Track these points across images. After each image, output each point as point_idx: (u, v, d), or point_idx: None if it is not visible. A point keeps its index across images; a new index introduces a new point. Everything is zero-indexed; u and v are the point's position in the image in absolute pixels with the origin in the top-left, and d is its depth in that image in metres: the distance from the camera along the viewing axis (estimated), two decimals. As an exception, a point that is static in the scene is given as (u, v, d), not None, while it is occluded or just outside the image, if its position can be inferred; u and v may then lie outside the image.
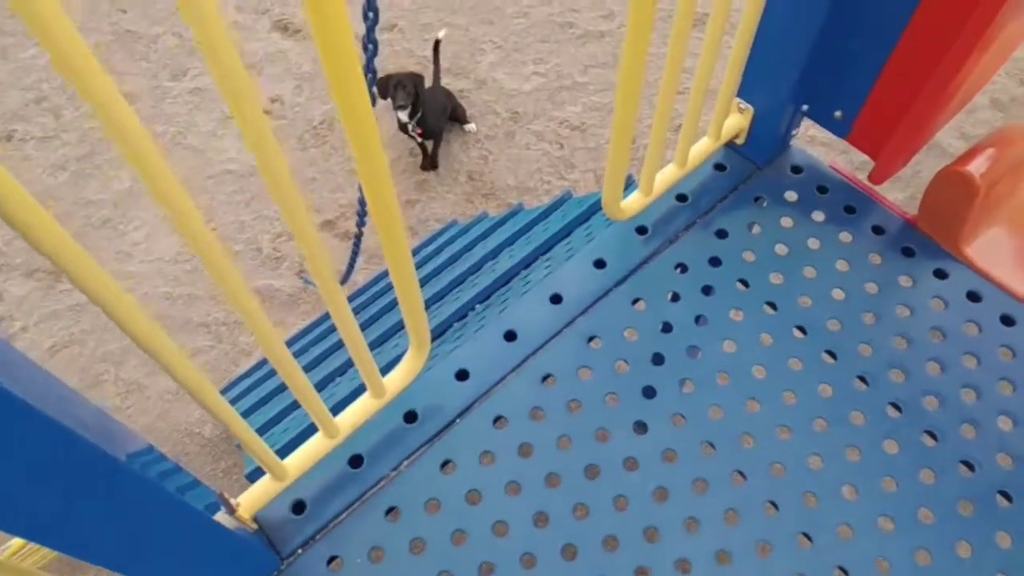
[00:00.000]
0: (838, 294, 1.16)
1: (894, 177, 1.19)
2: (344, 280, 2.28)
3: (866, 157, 1.17)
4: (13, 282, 2.88)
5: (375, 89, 1.25)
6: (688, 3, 0.84)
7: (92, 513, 0.64)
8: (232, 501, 0.93)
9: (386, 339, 1.77)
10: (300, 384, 0.85)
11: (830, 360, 1.11)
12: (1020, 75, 3.43)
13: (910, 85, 1.05)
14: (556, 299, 1.17)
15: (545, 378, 1.10)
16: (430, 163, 3.22)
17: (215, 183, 3.11)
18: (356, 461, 1.06)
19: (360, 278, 2.91)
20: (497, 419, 1.08)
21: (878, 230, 1.21)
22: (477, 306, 1.50)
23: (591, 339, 1.13)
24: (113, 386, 2.74)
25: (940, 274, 1.17)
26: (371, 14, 1.04)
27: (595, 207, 1.60)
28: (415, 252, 2.61)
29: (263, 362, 2.53)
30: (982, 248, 1.15)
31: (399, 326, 1.73)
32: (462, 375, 1.11)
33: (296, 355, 2.13)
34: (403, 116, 3.02)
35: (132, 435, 0.73)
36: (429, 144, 3.20)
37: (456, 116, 3.30)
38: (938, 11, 0.95)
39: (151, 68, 3.43)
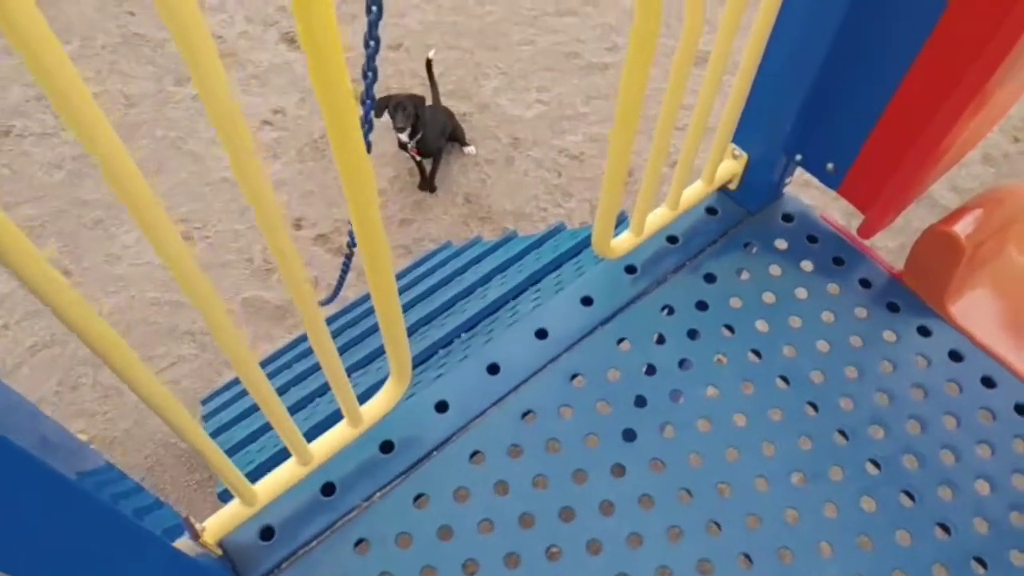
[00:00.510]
0: (822, 345, 1.16)
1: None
2: (333, 297, 2.27)
3: (859, 208, 1.18)
4: (1, 281, 2.85)
5: (373, 110, 1.25)
6: (687, 47, 0.84)
7: (38, 534, 0.62)
8: (197, 526, 0.91)
9: (373, 359, 1.77)
10: (274, 408, 0.84)
11: (811, 412, 1.11)
12: (1013, 132, 3.47)
13: (902, 142, 1.06)
14: (541, 334, 1.16)
15: (525, 414, 1.09)
16: (428, 185, 3.21)
17: (211, 191, 3.10)
18: (328, 489, 1.04)
19: (351, 294, 2.90)
20: (474, 454, 1.07)
21: (865, 283, 1.21)
22: (463, 334, 1.49)
23: (574, 377, 1.13)
24: (91, 390, 2.71)
25: (924, 331, 1.17)
26: (372, 42, 1.04)
27: (587, 241, 1.61)
28: (407, 271, 2.60)
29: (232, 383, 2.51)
30: (966, 308, 1.16)
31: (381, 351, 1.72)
32: (442, 407, 1.10)
33: (280, 370, 2.12)
34: (403, 137, 3.02)
35: (88, 452, 0.72)
36: (427, 164, 3.20)
37: (456, 137, 3.30)
38: (932, 70, 0.96)
39: (156, 72, 3.44)
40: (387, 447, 1.07)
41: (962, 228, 1.10)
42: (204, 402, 2.56)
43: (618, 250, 1.12)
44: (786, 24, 1.02)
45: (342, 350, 2.03)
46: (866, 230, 1.20)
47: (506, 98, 3.53)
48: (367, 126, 1.19)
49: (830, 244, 1.25)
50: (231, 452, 1.79)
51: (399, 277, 2.59)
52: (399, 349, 0.91)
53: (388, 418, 1.06)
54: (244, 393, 2.23)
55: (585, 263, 1.45)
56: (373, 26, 0.99)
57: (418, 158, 3.15)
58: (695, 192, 1.20)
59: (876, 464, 1.06)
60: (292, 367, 2.12)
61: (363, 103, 1.15)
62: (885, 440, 1.08)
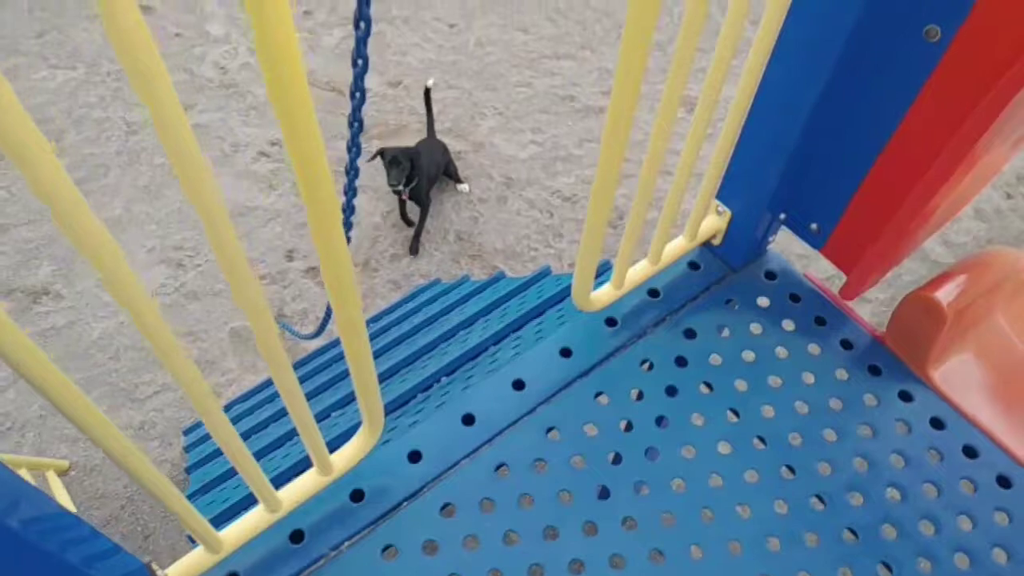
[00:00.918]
0: (801, 407, 1.15)
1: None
2: (320, 331, 2.25)
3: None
4: (-13, 299, 2.84)
5: (377, 153, 1.23)
6: (666, 113, 0.85)
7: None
8: (160, 573, 0.89)
9: (353, 399, 1.74)
10: (238, 456, 0.82)
11: (788, 475, 1.09)
12: (1006, 188, 3.51)
13: (887, 204, 1.06)
14: (518, 385, 1.15)
15: (499, 467, 1.08)
16: (413, 246, 3.18)
17: (204, 220, 3.10)
18: (297, 536, 1.02)
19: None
20: (445, 506, 1.05)
21: (847, 344, 1.21)
22: (443, 378, 1.48)
23: (550, 430, 1.11)
24: (73, 415, 2.67)
25: (905, 396, 1.16)
26: (360, 61, 1.03)
27: (569, 289, 1.60)
28: (395, 307, 2.60)
29: (230, 404, 2.48)
30: (949, 374, 1.15)
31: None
32: (415, 456, 1.09)
33: (262, 404, 2.08)
34: (396, 188, 3.06)
35: (37, 498, 0.70)
36: (412, 212, 3.20)
37: (449, 172, 3.33)
38: (919, 132, 0.96)
39: (156, 100, 3.46)
40: (358, 496, 1.05)
41: (944, 295, 1.10)
42: (186, 432, 2.53)
43: (598, 303, 1.12)
44: (772, 81, 1.03)
45: (324, 387, 2.01)
46: (848, 292, 1.20)
47: (501, 138, 3.56)
48: (355, 150, 1.18)
49: (813, 303, 1.25)
50: (209, 487, 1.76)
51: (387, 313, 2.58)
52: (370, 400, 0.90)
53: (360, 466, 1.04)
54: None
55: (567, 312, 1.44)
56: (361, 43, 0.98)
57: (406, 199, 3.17)
58: (677, 247, 1.20)
59: (854, 532, 1.04)
60: (275, 401, 2.10)
61: (350, 125, 1.14)
62: (863, 507, 1.06)
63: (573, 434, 1.11)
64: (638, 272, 1.17)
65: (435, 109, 3.60)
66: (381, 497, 1.05)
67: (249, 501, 0.98)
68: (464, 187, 3.37)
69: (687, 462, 1.09)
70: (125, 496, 2.49)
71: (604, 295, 1.13)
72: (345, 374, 2.02)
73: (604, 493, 1.06)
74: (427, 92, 3.30)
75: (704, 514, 1.05)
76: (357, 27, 0.96)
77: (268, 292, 2.94)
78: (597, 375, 1.16)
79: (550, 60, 3.89)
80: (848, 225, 1.13)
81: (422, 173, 3.05)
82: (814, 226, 1.18)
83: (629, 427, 1.12)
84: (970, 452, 1.10)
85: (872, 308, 2.95)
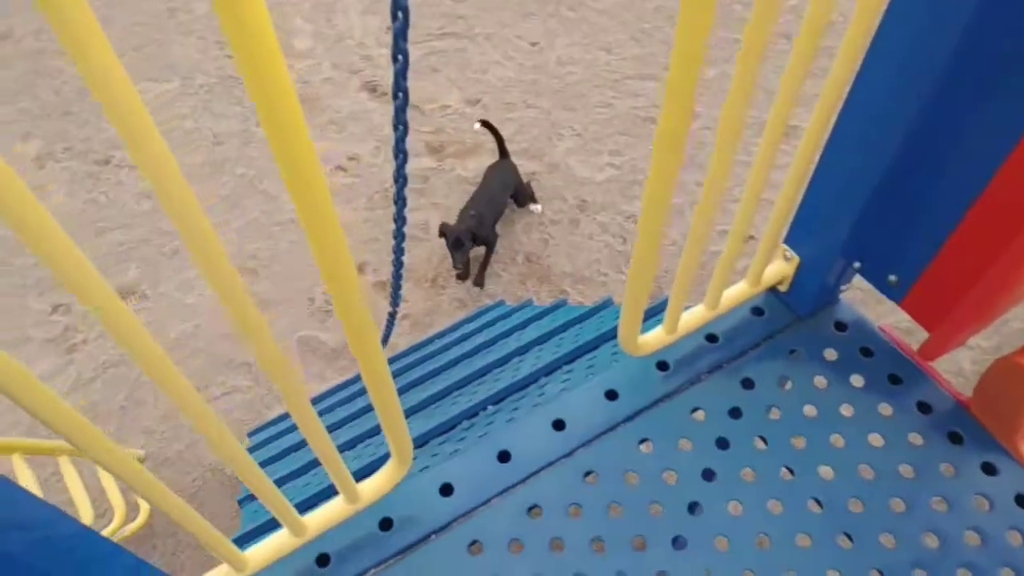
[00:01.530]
0: (866, 471, 1.05)
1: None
2: (383, 344, 2.26)
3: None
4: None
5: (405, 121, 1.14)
6: (731, 125, 0.78)
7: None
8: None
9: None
10: (260, 483, 0.81)
11: (846, 543, 1.01)
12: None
13: (978, 261, 0.96)
14: (559, 425, 1.11)
15: (531, 508, 1.04)
16: (479, 279, 3.13)
17: (280, 229, 3.20)
18: (323, 560, 1.01)
19: (402, 342, 2.92)
20: (473, 543, 1.01)
21: (924, 407, 1.11)
22: (490, 406, 1.45)
23: (588, 474, 1.06)
24: (153, 408, 2.79)
25: (989, 469, 1.05)
26: (400, 57, 0.97)
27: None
28: (458, 326, 2.59)
29: (276, 420, 2.53)
30: (1038, 449, 1.04)
31: (410, 411, 1.69)
32: (446, 490, 1.06)
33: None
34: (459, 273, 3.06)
35: (62, 521, 0.71)
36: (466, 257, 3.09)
37: (518, 197, 3.28)
38: (1018, 180, 0.87)
39: (244, 112, 3.61)
40: (386, 524, 1.04)
41: (1036, 361, 0.99)
42: (251, 435, 2.59)
43: (646, 348, 1.07)
44: (853, 111, 0.95)
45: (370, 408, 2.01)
46: (929, 351, 1.10)
47: (577, 159, 3.53)
48: (401, 156, 1.13)
49: (887, 359, 1.15)
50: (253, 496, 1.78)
51: (450, 331, 2.57)
52: (397, 435, 0.88)
53: (391, 495, 1.02)
54: (281, 434, 2.24)
55: (620, 349, 1.39)
56: (400, 36, 0.92)
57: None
58: (738, 293, 1.14)
59: (916, 614, 0.95)
60: (329, 413, 2.12)
61: (395, 124, 1.09)
62: (929, 588, 0.96)
63: (612, 480, 1.05)
64: (693, 317, 1.11)
65: (510, 130, 3.60)
66: (410, 528, 1.03)
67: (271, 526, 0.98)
68: (537, 208, 3.34)
69: (733, 519, 1.02)
70: (192, 489, 2.57)
71: (654, 339, 1.08)
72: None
73: (640, 545, 1.00)
74: (485, 123, 3.27)
75: (748, 578, 0.98)
76: (395, 60, 0.92)
77: (337, 303, 3.01)
78: (643, 420, 1.11)
79: (633, 81, 3.84)
80: (932, 280, 1.03)
81: (483, 221, 3.01)
82: (893, 278, 1.09)
83: (673, 477, 1.06)
84: (1058, 538, 0.98)
85: (974, 356, 2.74)
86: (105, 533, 2.11)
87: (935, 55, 0.83)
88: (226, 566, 0.93)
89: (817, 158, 1.00)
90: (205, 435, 0.68)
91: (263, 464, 1.88)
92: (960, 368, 2.70)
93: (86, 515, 1.82)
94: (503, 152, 3.28)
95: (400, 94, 1.04)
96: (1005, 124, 0.83)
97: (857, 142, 0.97)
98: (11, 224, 0.43)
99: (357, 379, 2.44)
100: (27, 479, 1.71)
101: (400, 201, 1.10)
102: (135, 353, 0.58)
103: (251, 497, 1.93)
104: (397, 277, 1.35)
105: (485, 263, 3.15)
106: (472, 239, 2.94)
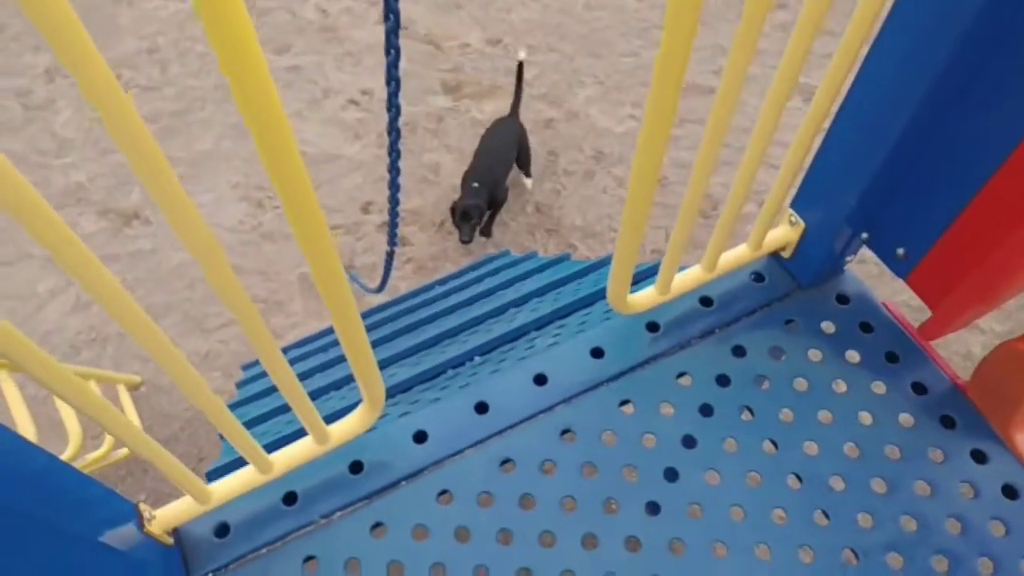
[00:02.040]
0: (851, 449, 1.02)
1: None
2: (382, 287, 2.23)
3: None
4: (87, 218, 2.99)
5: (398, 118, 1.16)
6: (738, 66, 0.73)
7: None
8: (147, 514, 0.89)
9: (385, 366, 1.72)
10: (228, 423, 0.79)
11: (822, 520, 0.98)
12: None
13: (989, 238, 0.91)
14: (541, 380, 1.08)
15: (505, 462, 1.02)
16: (485, 227, 3.06)
17: (290, 161, 3.15)
18: (290, 498, 1.00)
19: (404, 285, 2.89)
20: (443, 493, 1.00)
21: (919, 388, 1.07)
22: (477, 357, 1.43)
23: (565, 432, 1.04)
24: (152, 334, 2.80)
25: (979, 456, 1.02)
26: (392, 51, 0.98)
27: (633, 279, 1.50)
28: (461, 273, 2.56)
29: (287, 348, 2.53)
30: (1033, 440, 1.00)
31: (398, 357, 1.67)
32: (420, 437, 1.04)
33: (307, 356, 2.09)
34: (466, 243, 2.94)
35: (23, 451, 0.70)
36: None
37: (520, 162, 3.10)
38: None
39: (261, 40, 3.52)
40: (357, 467, 1.02)
41: (1042, 350, 0.95)
42: (245, 368, 2.60)
43: (636, 306, 1.03)
44: (869, 75, 0.89)
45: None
46: (930, 329, 1.06)
47: (598, 109, 3.43)
48: (394, 134, 1.13)
49: (887, 336, 1.11)
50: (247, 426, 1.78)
51: (452, 278, 2.55)
52: (368, 377, 0.85)
53: (364, 438, 1.01)
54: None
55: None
56: (392, 34, 0.93)
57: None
58: (738, 256, 1.09)
59: (886, 597, 0.93)
60: (308, 360, 2.10)
61: (388, 110, 1.09)
62: (902, 571, 0.94)
63: (589, 440, 1.03)
64: (688, 278, 1.07)
65: (531, 73, 3.50)
66: (380, 472, 1.01)
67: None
68: (529, 182, 3.18)
69: (709, 489, 1.00)
70: (186, 418, 2.60)
71: (644, 299, 1.04)
72: (384, 340, 2.00)
73: (611, 507, 0.98)
74: (520, 67, 3.03)
75: (716, 548, 0.96)
76: (387, 19, 0.91)
77: (340, 242, 2.97)
78: (627, 381, 1.08)
79: (662, 31, 3.70)
80: (939, 256, 0.98)
81: (495, 187, 2.92)
82: (901, 251, 1.04)
83: (652, 442, 1.03)
84: (1043, 533, 0.96)
85: (985, 340, 2.69)
86: (92, 458, 2.12)
87: (957, 24, 0.76)
88: (189, 498, 0.92)
89: (827, 122, 0.94)
90: (156, 359, 0.66)
91: (252, 399, 1.89)
92: (969, 351, 2.65)
93: (74, 443, 1.82)
94: (515, 108, 3.10)
95: (392, 83, 1.08)
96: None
97: (872, 108, 0.91)
98: None
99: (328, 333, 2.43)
100: (15, 398, 1.71)
101: (394, 133, 1.07)
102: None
103: (236, 405, 1.94)
104: (393, 215, 1.31)
105: (494, 214, 3.07)
106: (480, 212, 2.86)
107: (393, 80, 1.00)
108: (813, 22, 0.72)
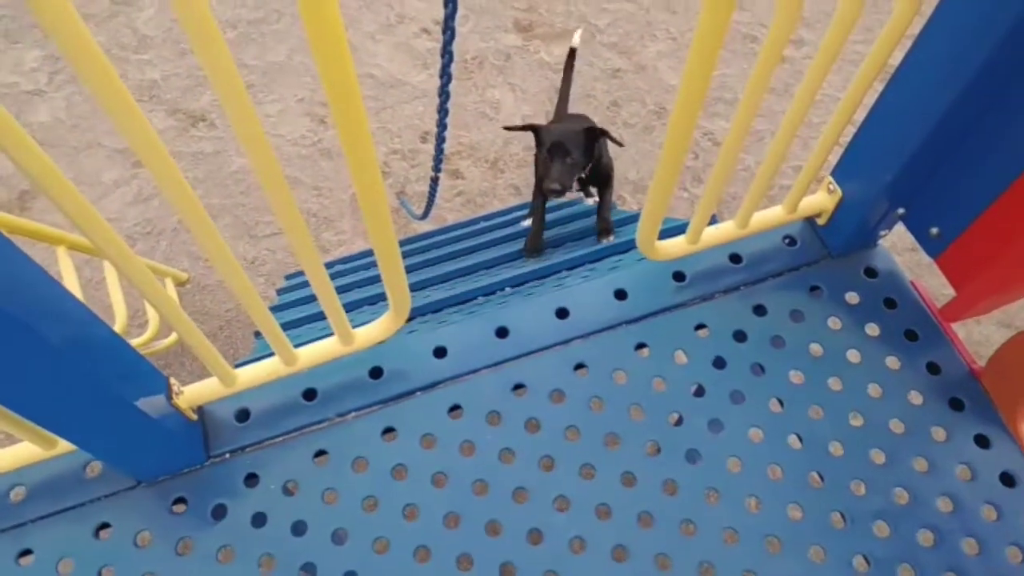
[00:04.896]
0: (856, 418, 1.04)
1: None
2: (425, 214, 2.28)
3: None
4: (156, 115, 3.10)
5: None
6: (781, 30, 0.73)
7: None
8: (176, 388, 0.96)
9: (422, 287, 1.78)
10: (261, 314, 0.85)
11: (816, 482, 1.01)
12: None
13: (1017, 227, 0.90)
14: (562, 313, 1.12)
15: (517, 387, 1.07)
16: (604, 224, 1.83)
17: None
18: (310, 394, 1.07)
19: (452, 217, 2.94)
20: (454, 408, 1.06)
21: (933, 368, 1.07)
22: (508, 288, 1.47)
23: (579, 367, 1.08)
24: (206, 236, 2.92)
25: (982, 441, 1.03)
26: (451, 4, 0.99)
27: (668, 233, 1.52)
28: (506, 211, 2.59)
29: (331, 263, 2.62)
30: (1039, 432, 1.00)
31: (434, 280, 1.73)
32: (440, 352, 1.09)
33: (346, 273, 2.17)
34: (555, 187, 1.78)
35: (83, 315, 0.77)
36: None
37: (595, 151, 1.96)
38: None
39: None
40: (376, 373, 1.08)
41: (1061, 343, 0.94)
42: (288, 277, 2.70)
43: (663, 253, 1.05)
44: (916, 58, 0.88)
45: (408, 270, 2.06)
46: (952, 310, 1.06)
47: (667, 64, 3.36)
48: (445, 78, 1.13)
49: (909, 314, 1.11)
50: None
51: (499, 215, 2.58)
52: (395, 286, 0.90)
53: (387, 347, 1.06)
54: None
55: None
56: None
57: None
58: (772, 216, 1.09)
59: (867, 561, 0.96)
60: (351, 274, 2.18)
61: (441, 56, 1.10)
62: (888, 540, 0.97)
63: (601, 376, 1.07)
64: (720, 232, 1.08)
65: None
66: (398, 380, 1.07)
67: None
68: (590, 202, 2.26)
69: (710, 437, 1.03)
70: (225, 319, 2.72)
71: (673, 246, 1.06)
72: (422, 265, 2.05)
73: (613, 442, 1.03)
74: (571, 54, 2.41)
75: (709, 495, 1.00)
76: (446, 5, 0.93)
77: (395, 167, 3.02)
78: (645, 326, 1.11)
79: (743, -8, 3.59)
80: (972, 239, 0.98)
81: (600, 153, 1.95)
82: (935, 230, 1.03)
83: (662, 385, 1.07)
84: (1033, 522, 0.97)
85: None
86: (136, 343, 2.27)
87: (1009, 11, 0.74)
88: (216, 380, 0.98)
89: (868, 96, 0.93)
90: (205, 249, 0.71)
91: (289, 305, 1.97)
92: (992, 340, 2.58)
93: (120, 323, 1.94)
94: (561, 108, 2.41)
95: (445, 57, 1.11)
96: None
97: (920, 88, 0.90)
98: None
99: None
100: (70, 275, 1.83)
101: (447, 55, 1.09)
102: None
103: (276, 309, 2.03)
104: (440, 140, 1.34)
105: (607, 200, 1.96)
106: (585, 157, 1.83)
107: (449, 30, 1.02)
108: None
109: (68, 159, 2.98)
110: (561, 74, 2.47)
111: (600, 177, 1.99)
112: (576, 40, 2.55)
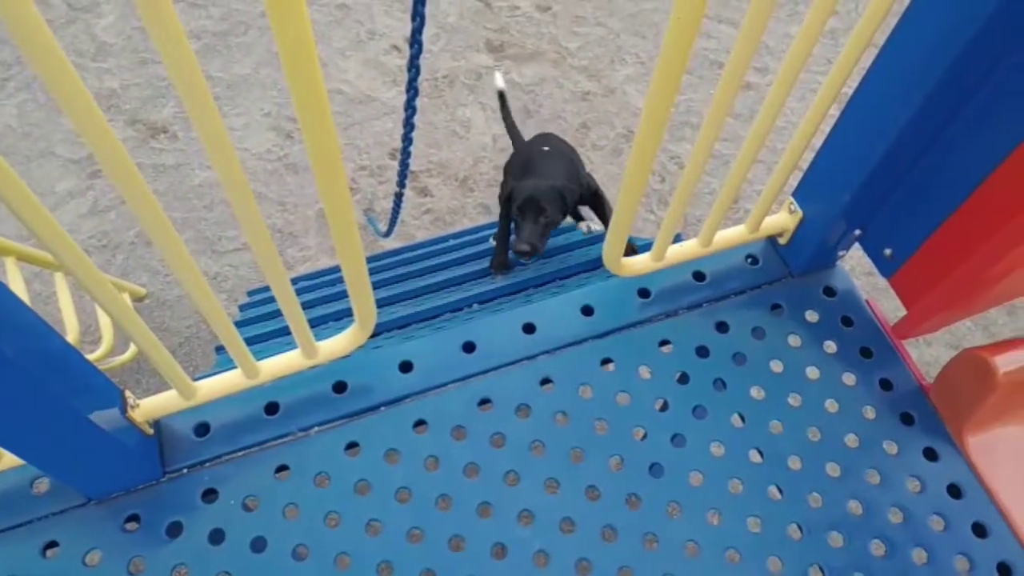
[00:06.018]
0: (814, 433, 1.07)
1: (1009, 306, 1.07)
2: (388, 232, 2.28)
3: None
4: (115, 125, 3.05)
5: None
6: (742, 53, 0.76)
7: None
8: (131, 402, 0.95)
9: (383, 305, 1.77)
10: (221, 320, 0.85)
11: (776, 495, 1.03)
12: None
13: (962, 249, 0.94)
14: (529, 328, 1.13)
15: (483, 401, 1.07)
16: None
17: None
18: (272, 408, 1.06)
19: (421, 235, 2.94)
20: (419, 423, 1.06)
21: (886, 384, 1.11)
22: (476, 304, 1.48)
23: (545, 382, 1.09)
24: (167, 251, 2.88)
25: (930, 454, 1.06)
26: (417, 17, 1.01)
27: (638, 251, 1.54)
28: (475, 230, 2.61)
29: (296, 279, 2.60)
30: (984, 444, 1.04)
31: (401, 296, 1.73)
32: (406, 367, 1.09)
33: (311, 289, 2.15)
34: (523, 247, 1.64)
35: (37, 327, 0.76)
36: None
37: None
38: (1018, 175, 0.84)
39: (311, -26, 3.54)
40: (341, 387, 1.08)
41: (1005, 361, 0.98)
42: (251, 293, 2.67)
43: (628, 269, 1.07)
44: (873, 81, 0.92)
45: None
46: (903, 327, 1.09)
47: (636, 88, 3.43)
48: (412, 92, 1.15)
49: (864, 332, 1.15)
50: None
51: (468, 233, 2.59)
52: (361, 299, 0.90)
53: (351, 361, 1.06)
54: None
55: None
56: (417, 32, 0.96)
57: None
58: (734, 235, 1.12)
59: (822, 571, 0.98)
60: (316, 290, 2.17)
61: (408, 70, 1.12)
62: (841, 550, 0.99)
63: (567, 391, 1.08)
64: (684, 249, 1.11)
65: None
66: (362, 395, 1.07)
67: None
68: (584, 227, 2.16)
69: (673, 451, 1.05)
70: (185, 335, 2.67)
71: (638, 263, 1.08)
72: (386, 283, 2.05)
73: (577, 456, 1.04)
74: (501, 96, 2.40)
75: (672, 507, 1.01)
76: (414, 19, 0.94)
77: (363, 184, 3.02)
78: (611, 341, 1.12)
79: (710, 22, 3.67)
80: (922, 259, 1.02)
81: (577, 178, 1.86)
82: (888, 251, 1.07)
83: (626, 400, 1.08)
84: (979, 530, 1.00)
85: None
86: (91, 359, 2.21)
87: (957, 41, 0.79)
88: (174, 392, 0.97)
89: (827, 118, 0.96)
90: (168, 260, 0.71)
91: (251, 320, 1.95)
92: (941, 360, 2.65)
93: (72, 338, 1.90)
94: (514, 135, 2.39)
95: (412, 71, 1.10)
96: (1016, 121, 0.80)
97: (874, 112, 0.94)
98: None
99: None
100: (19, 287, 1.78)
101: (414, 69, 1.10)
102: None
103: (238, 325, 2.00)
104: (405, 154, 1.35)
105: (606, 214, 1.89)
106: (563, 204, 1.68)
107: (416, 43, 1.03)
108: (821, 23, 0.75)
109: (19, 168, 2.91)
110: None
111: (590, 200, 1.85)
112: (499, 81, 2.50)
